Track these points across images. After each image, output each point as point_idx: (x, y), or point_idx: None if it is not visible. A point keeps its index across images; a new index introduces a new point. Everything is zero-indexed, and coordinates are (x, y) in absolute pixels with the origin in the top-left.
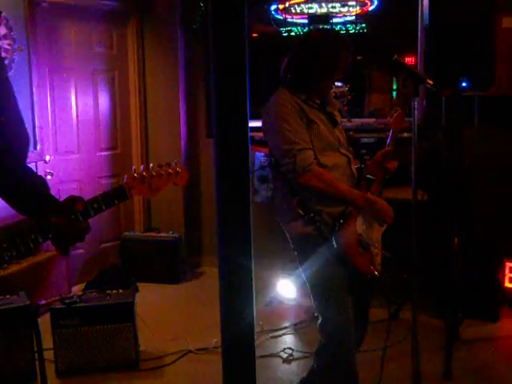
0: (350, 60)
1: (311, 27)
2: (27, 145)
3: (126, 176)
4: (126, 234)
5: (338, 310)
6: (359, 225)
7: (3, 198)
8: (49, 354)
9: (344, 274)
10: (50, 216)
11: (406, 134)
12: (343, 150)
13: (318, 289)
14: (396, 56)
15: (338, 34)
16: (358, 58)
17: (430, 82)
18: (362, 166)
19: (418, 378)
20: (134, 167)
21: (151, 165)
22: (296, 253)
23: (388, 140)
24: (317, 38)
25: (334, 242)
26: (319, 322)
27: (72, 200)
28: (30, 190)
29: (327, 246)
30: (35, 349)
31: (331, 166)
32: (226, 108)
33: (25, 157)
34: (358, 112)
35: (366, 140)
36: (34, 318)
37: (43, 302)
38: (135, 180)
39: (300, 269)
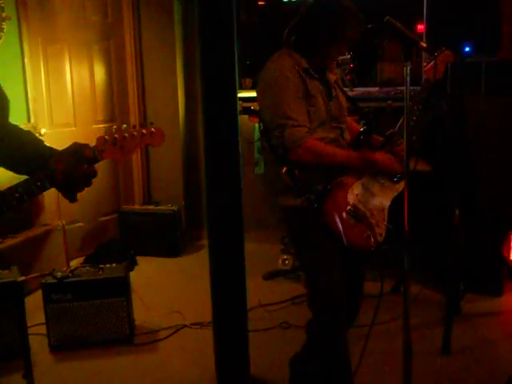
0: (358, 35)
1: None
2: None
3: (96, 139)
4: (125, 207)
5: (326, 283)
6: (352, 194)
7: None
8: (42, 329)
9: (334, 247)
10: (55, 163)
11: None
12: (334, 124)
13: (306, 262)
14: (388, 17)
15: (350, 5)
16: (369, 26)
17: (423, 44)
18: (366, 128)
19: (409, 354)
20: (105, 129)
21: (124, 126)
22: (285, 225)
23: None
24: (328, 3)
25: (321, 213)
26: (308, 295)
27: (77, 146)
28: (22, 145)
29: (315, 218)
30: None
31: (323, 140)
32: (212, 76)
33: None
34: (364, 80)
35: (366, 109)
36: (18, 294)
37: (30, 276)
38: (106, 142)
39: (290, 242)
